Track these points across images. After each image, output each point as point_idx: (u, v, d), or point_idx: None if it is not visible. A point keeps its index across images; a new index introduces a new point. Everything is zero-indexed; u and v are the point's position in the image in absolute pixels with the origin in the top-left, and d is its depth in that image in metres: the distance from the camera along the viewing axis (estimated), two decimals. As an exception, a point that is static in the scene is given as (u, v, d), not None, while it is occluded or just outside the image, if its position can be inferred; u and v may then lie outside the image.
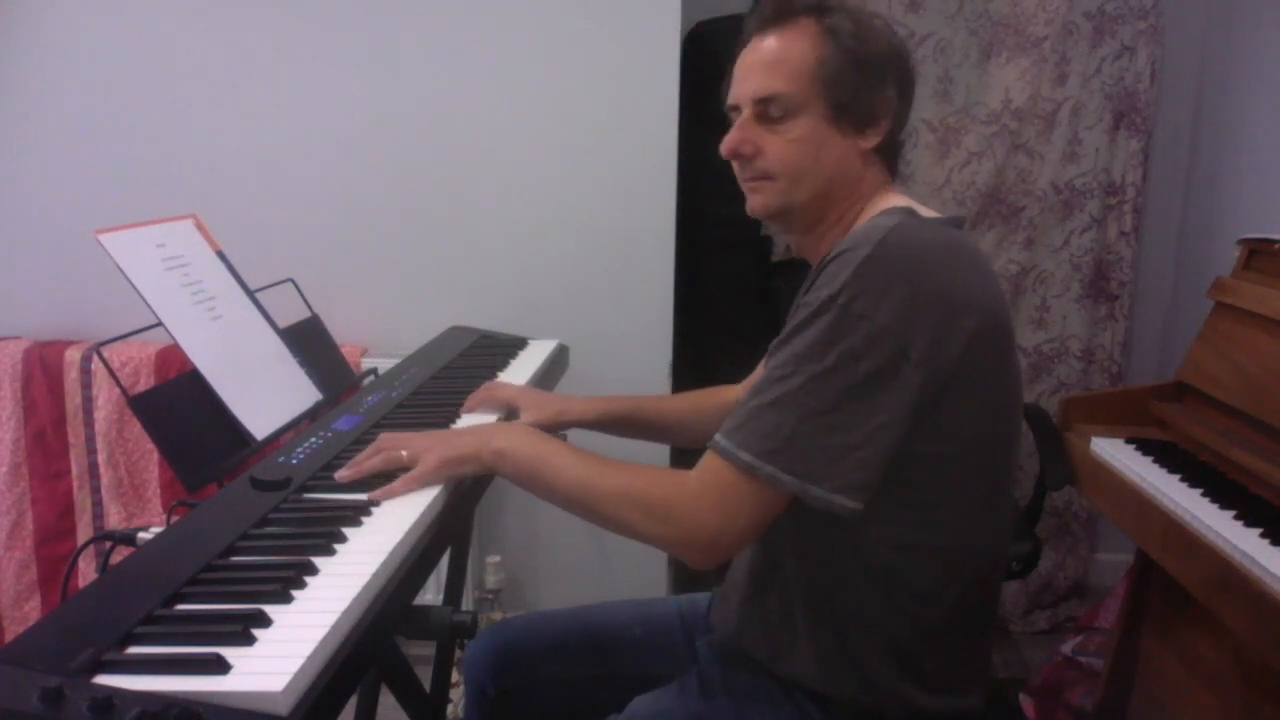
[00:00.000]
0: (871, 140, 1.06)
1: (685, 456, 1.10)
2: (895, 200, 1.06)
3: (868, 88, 1.04)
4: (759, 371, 1.09)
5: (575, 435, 1.60)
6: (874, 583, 1.01)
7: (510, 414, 1.43)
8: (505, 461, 1.08)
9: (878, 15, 1.07)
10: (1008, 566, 1.14)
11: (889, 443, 0.92)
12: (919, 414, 0.93)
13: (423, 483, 1.08)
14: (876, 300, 0.90)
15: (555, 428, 1.41)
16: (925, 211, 1.04)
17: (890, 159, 1.10)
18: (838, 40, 1.03)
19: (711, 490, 0.95)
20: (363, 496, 1.06)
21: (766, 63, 1.05)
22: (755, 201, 1.10)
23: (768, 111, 1.05)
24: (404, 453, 1.10)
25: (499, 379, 1.57)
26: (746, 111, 1.07)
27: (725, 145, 1.08)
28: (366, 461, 1.11)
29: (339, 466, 1.18)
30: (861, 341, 0.90)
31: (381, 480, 1.09)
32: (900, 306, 0.90)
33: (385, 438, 1.14)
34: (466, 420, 1.39)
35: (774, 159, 1.06)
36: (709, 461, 0.97)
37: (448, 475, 1.10)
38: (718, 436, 0.96)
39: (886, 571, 1.00)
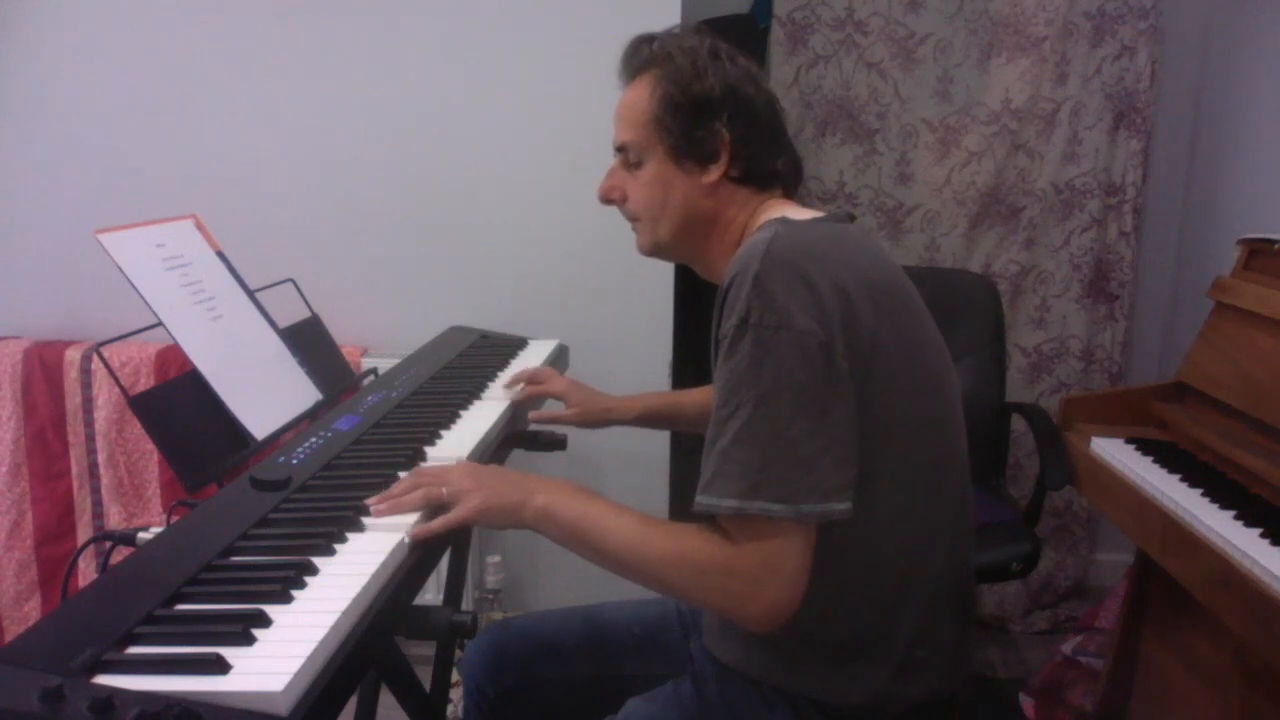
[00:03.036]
0: (713, 174, 1.10)
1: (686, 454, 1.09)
2: (772, 213, 1.09)
3: (698, 126, 1.08)
4: None
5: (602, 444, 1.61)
6: (842, 582, 1.00)
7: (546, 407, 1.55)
8: (549, 521, 1.03)
9: (735, 53, 1.10)
10: (976, 541, 1.13)
11: (851, 435, 0.93)
12: (857, 402, 0.94)
13: (461, 524, 1.04)
14: (784, 308, 0.91)
15: (601, 425, 1.54)
16: (801, 214, 1.07)
17: (757, 182, 1.11)
18: (665, 87, 1.09)
19: (723, 551, 0.94)
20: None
21: (619, 114, 1.14)
22: (636, 243, 1.19)
23: (628, 159, 1.14)
24: (444, 490, 1.06)
25: (523, 362, 1.71)
26: (615, 160, 1.16)
27: (598, 191, 1.18)
28: (405, 496, 1.06)
29: (339, 466, 1.19)
30: (788, 351, 0.91)
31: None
32: (807, 306, 0.92)
33: (421, 472, 1.11)
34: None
35: (633, 202, 1.16)
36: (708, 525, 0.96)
37: (486, 523, 1.05)
38: (697, 498, 0.94)
39: (852, 568, 1.00)
